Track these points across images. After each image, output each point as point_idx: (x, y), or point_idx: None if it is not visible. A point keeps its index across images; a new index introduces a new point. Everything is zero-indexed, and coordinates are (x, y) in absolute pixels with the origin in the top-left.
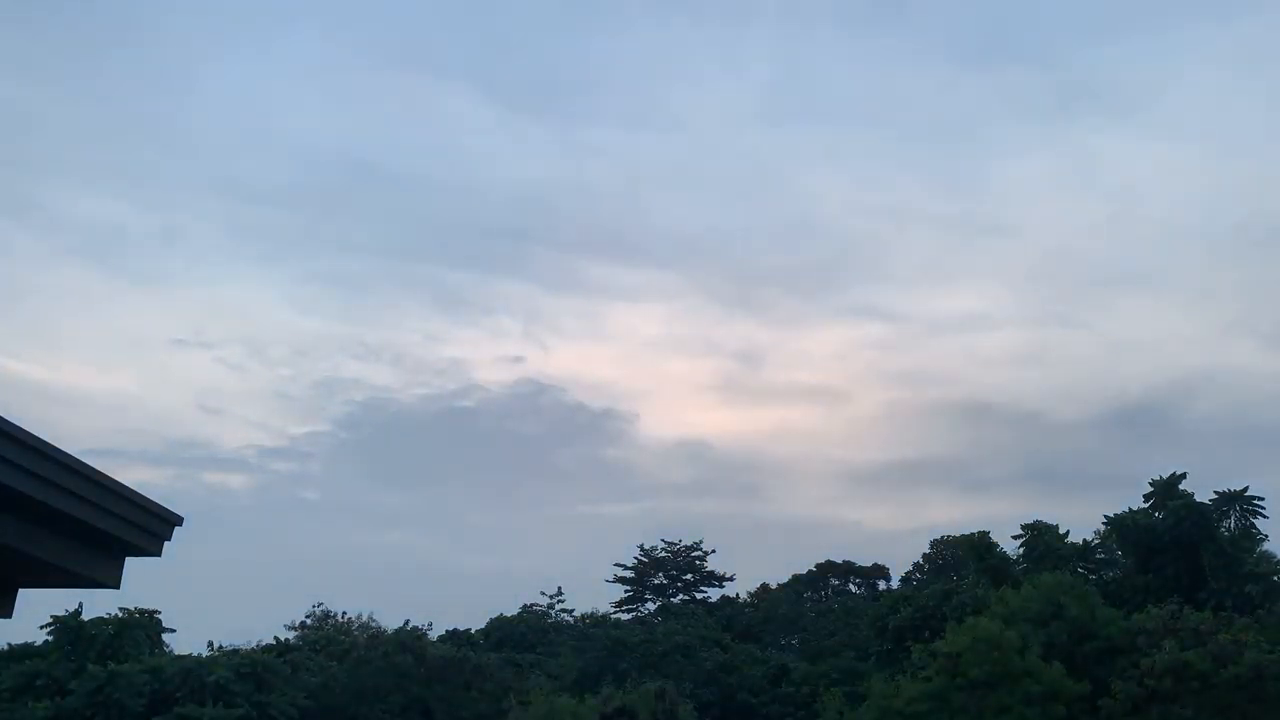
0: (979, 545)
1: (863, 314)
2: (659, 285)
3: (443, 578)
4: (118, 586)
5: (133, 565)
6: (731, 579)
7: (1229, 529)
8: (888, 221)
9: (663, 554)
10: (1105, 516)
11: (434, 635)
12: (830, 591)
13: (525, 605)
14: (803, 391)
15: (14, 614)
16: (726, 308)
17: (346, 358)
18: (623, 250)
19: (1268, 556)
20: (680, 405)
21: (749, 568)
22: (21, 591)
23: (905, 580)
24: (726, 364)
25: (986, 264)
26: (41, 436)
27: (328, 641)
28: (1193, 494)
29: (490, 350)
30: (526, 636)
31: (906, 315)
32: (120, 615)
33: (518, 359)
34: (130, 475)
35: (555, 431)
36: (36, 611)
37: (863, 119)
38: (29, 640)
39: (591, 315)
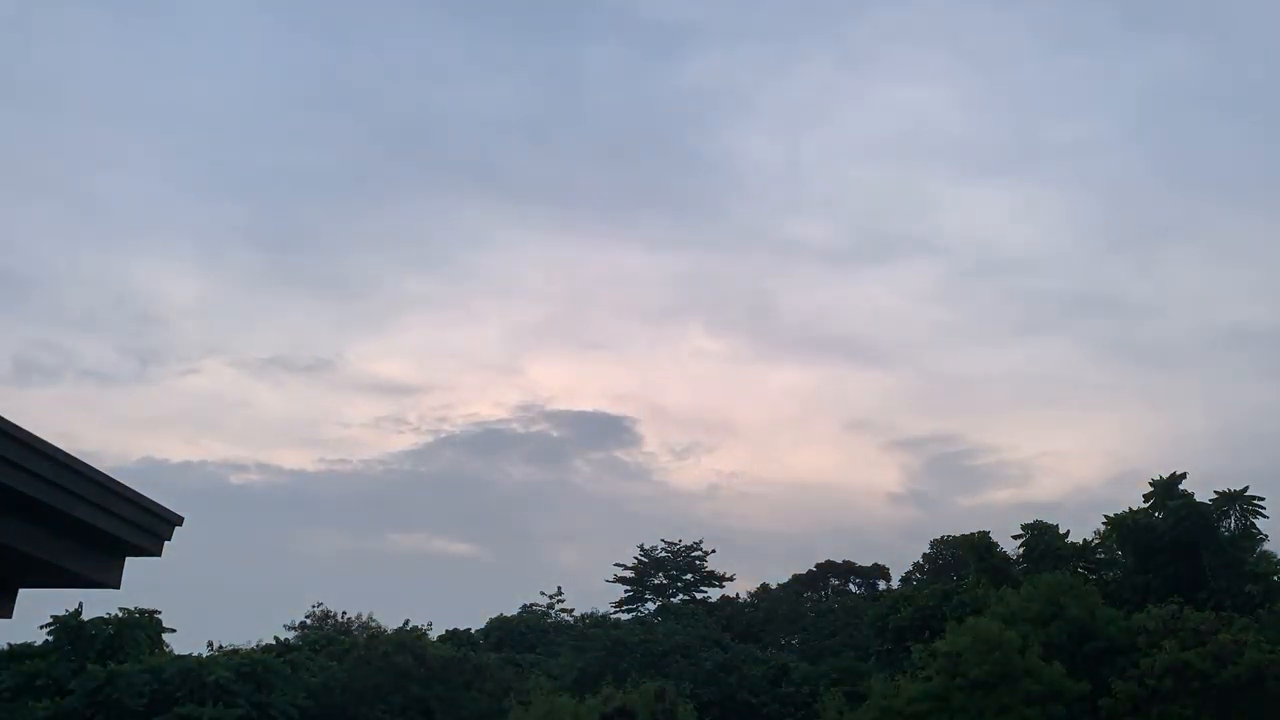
0: (979, 545)
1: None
2: (663, 235)
3: (447, 578)
4: (118, 586)
5: (133, 565)
6: (731, 579)
7: (1229, 529)
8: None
9: (663, 554)
10: (1105, 516)
11: (434, 635)
12: (830, 591)
13: (525, 605)
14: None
15: (14, 614)
16: (745, 259)
17: (355, 357)
18: (623, 194)
19: (1268, 556)
20: (689, 378)
21: (749, 567)
22: (21, 591)
23: (905, 580)
24: (744, 323)
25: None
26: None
27: (328, 641)
28: (1193, 494)
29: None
30: (526, 636)
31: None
32: (120, 615)
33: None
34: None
35: (564, 439)
36: (36, 611)
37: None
38: (29, 640)
39: (585, 274)
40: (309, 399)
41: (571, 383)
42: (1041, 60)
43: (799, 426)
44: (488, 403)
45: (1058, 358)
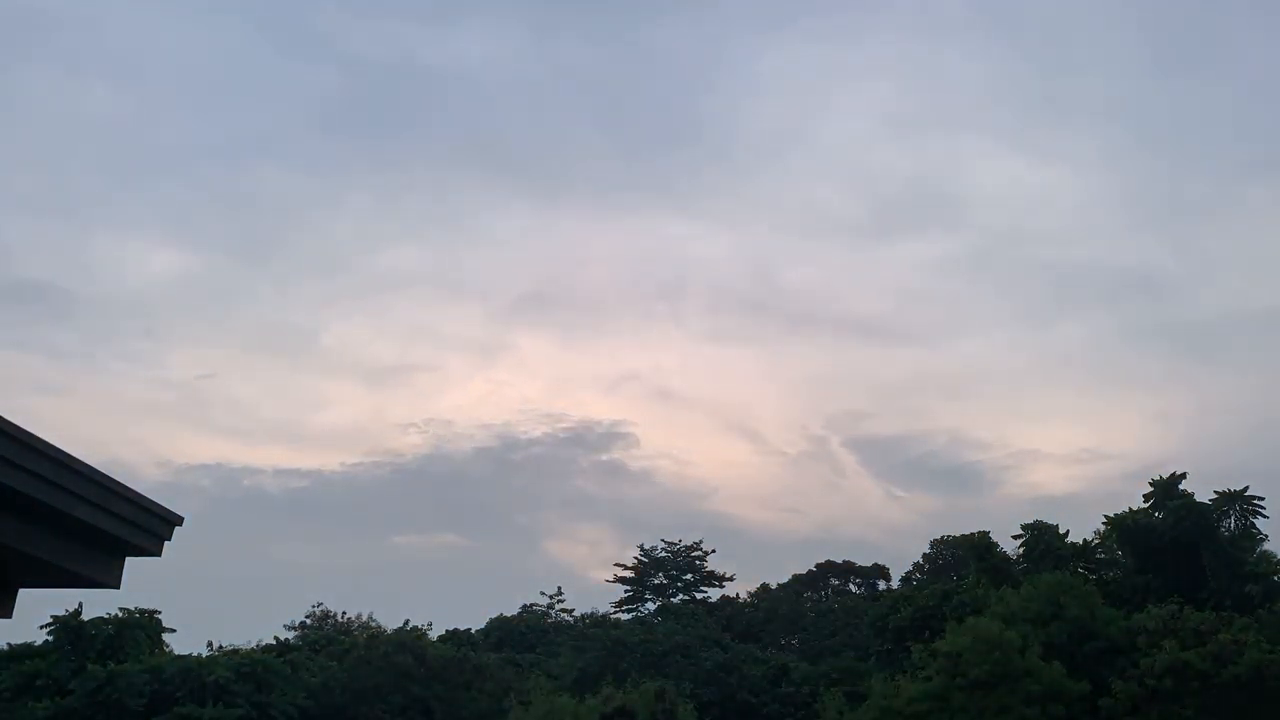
0: (979, 545)
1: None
2: (660, 208)
3: (447, 578)
4: (118, 586)
5: (133, 565)
6: (732, 579)
7: (1229, 529)
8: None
9: (663, 554)
10: (1105, 516)
11: (434, 635)
12: (830, 591)
13: (525, 605)
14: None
15: (14, 614)
16: (747, 234)
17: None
18: (618, 165)
19: (1268, 556)
20: (686, 363)
21: (749, 567)
22: (21, 591)
23: (905, 580)
24: (745, 303)
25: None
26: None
27: (328, 641)
28: (1193, 494)
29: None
30: (526, 636)
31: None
32: (120, 615)
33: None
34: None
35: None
36: (36, 611)
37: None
38: (29, 640)
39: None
40: (309, 395)
41: (566, 371)
42: (1067, 21)
43: (801, 419)
44: (490, 404)
45: (1077, 342)
